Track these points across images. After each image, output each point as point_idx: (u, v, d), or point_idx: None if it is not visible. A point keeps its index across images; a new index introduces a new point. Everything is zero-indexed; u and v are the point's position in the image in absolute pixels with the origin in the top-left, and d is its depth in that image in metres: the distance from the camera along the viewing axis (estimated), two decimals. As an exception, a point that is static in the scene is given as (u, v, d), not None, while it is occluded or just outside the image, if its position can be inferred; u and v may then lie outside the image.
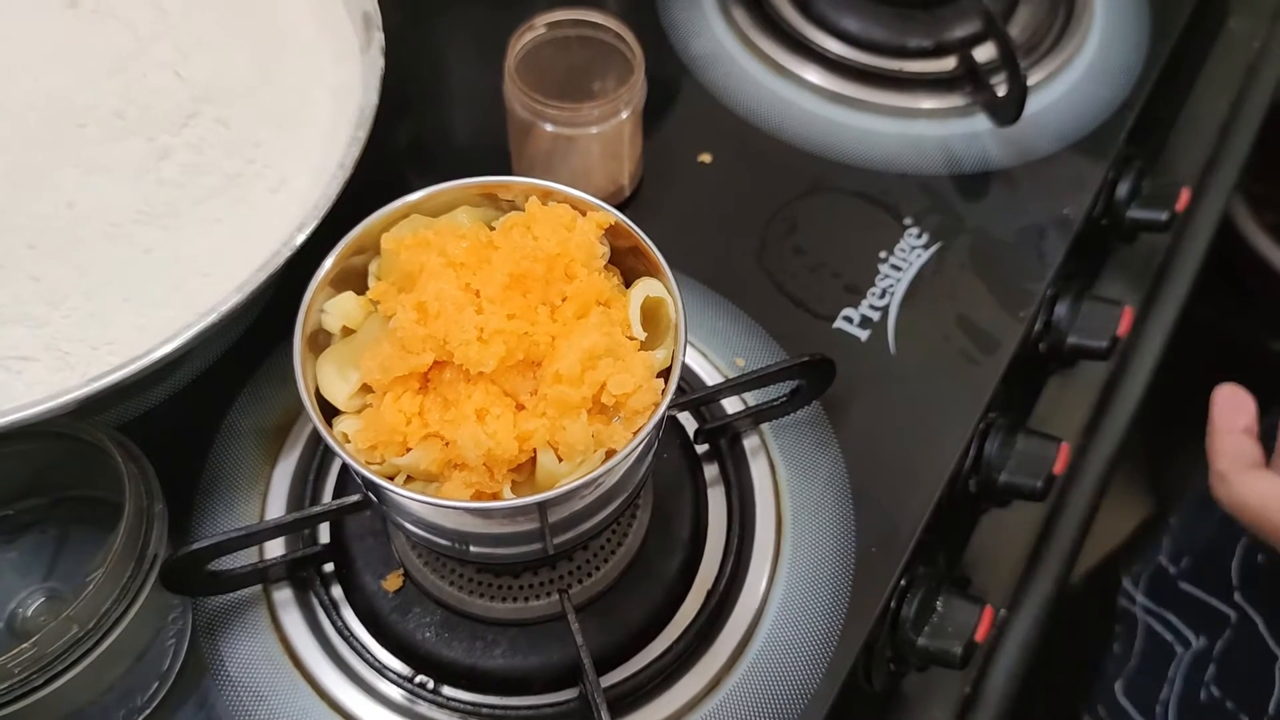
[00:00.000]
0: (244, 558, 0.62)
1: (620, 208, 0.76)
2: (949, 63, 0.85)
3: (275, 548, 0.64)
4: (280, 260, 0.60)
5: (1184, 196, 0.82)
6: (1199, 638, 0.81)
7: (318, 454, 0.67)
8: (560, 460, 0.48)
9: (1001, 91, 0.81)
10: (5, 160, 0.66)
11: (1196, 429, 0.73)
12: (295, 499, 0.66)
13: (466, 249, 0.51)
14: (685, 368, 0.70)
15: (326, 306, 0.53)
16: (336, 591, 0.64)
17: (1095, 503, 0.79)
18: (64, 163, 0.66)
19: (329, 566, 0.64)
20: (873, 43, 0.86)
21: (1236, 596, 0.80)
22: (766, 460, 0.68)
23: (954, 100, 0.84)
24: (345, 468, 0.66)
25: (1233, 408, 0.71)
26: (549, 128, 0.71)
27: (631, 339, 0.51)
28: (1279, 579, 0.78)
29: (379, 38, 0.70)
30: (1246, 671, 0.77)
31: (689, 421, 0.69)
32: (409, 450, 0.49)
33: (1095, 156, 0.82)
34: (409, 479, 0.50)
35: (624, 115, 0.72)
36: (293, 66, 0.72)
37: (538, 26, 0.72)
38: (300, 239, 0.61)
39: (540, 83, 0.71)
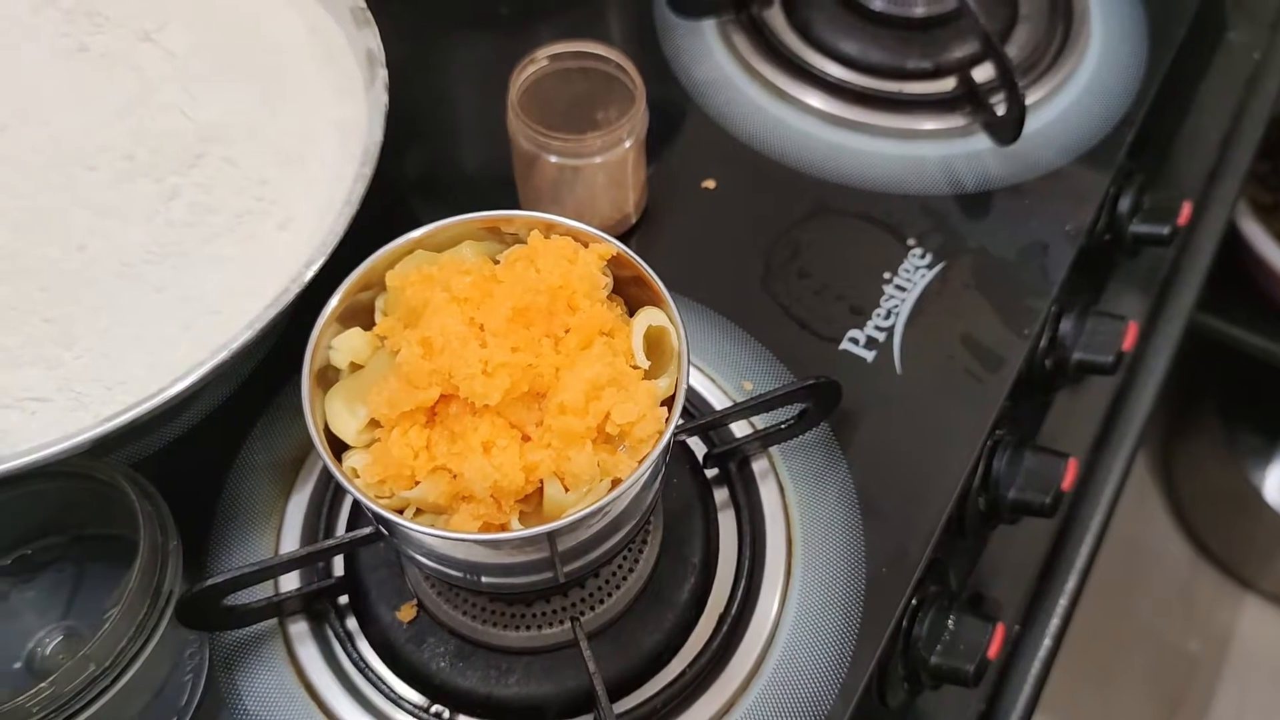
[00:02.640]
0: (259, 592, 0.62)
1: (626, 235, 0.77)
2: (948, 83, 0.86)
3: (290, 581, 0.64)
4: (290, 297, 0.61)
5: (1186, 210, 0.82)
6: None
7: (330, 487, 0.68)
8: (567, 490, 0.49)
9: (1001, 111, 0.82)
10: (17, 204, 0.67)
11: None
12: (309, 532, 0.67)
13: (470, 284, 0.52)
14: (693, 392, 0.71)
15: (334, 343, 0.53)
16: (351, 623, 0.64)
17: (1108, 517, 0.79)
18: (75, 205, 0.67)
19: (343, 599, 0.65)
20: (872, 66, 0.87)
21: None
22: (776, 483, 0.69)
23: (954, 120, 0.85)
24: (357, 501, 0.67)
25: None
26: (553, 159, 0.72)
27: (635, 368, 0.52)
28: None
29: (383, 74, 0.70)
30: None
31: (698, 446, 0.69)
32: (417, 484, 0.49)
33: (1096, 172, 0.82)
34: (418, 512, 0.50)
35: (627, 144, 0.72)
36: (298, 105, 0.73)
37: (539, 59, 0.73)
38: (309, 275, 0.61)
39: (543, 114, 0.72)
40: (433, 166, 0.85)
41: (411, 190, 0.83)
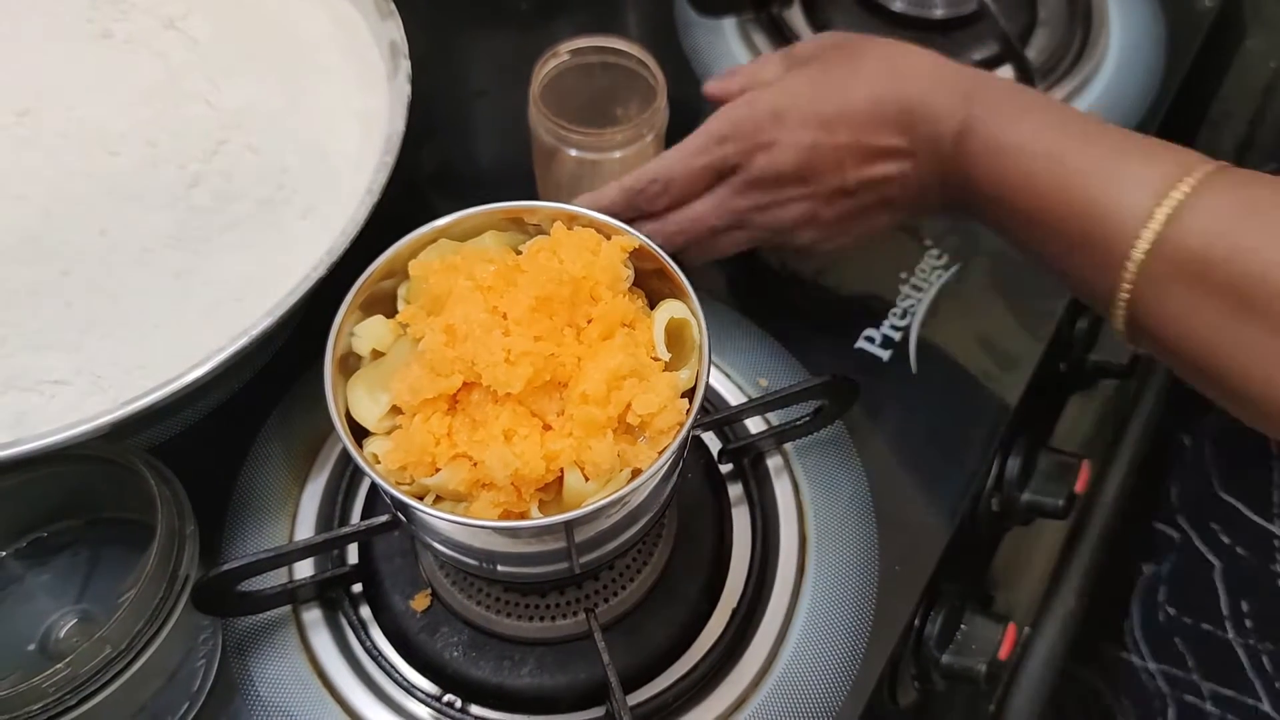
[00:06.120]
0: (274, 578, 0.63)
1: (644, 231, 0.77)
2: (967, 85, 0.85)
3: (304, 568, 0.65)
4: (310, 284, 0.61)
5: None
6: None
7: (346, 475, 0.68)
8: (587, 480, 0.49)
9: (1020, 113, 0.82)
10: (39, 189, 0.67)
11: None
12: (324, 520, 0.67)
13: (493, 273, 0.52)
14: (709, 388, 0.71)
15: (356, 330, 0.53)
16: (365, 611, 0.64)
17: (1118, 519, 0.79)
18: (97, 190, 0.68)
19: (357, 587, 0.65)
20: (891, 66, 0.86)
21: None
22: (790, 480, 0.69)
23: (973, 122, 0.84)
24: (374, 489, 0.67)
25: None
26: (573, 153, 0.72)
27: (656, 360, 0.52)
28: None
29: (405, 65, 0.70)
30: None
31: (713, 442, 0.70)
32: (438, 470, 0.49)
33: (1114, 177, 0.82)
34: (438, 499, 0.50)
35: (647, 140, 0.72)
36: (321, 94, 0.73)
37: (561, 54, 0.73)
38: (329, 263, 0.61)
39: (564, 108, 0.72)
40: (452, 159, 0.85)
41: (431, 182, 0.83)
